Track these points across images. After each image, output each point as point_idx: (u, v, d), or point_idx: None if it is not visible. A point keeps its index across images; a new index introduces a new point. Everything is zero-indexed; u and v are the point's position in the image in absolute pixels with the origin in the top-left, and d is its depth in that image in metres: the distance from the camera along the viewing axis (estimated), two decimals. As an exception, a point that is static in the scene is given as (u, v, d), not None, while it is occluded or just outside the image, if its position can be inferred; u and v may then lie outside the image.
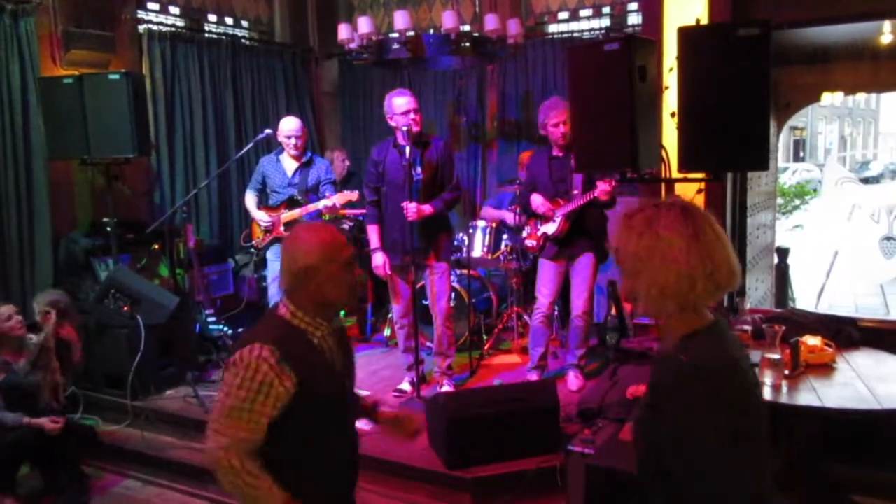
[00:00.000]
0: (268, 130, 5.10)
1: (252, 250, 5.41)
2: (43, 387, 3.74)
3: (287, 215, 4.90)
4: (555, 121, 4.28)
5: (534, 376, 4.50)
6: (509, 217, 5.52)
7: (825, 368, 3.11)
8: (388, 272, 4.41)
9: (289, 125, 4.99)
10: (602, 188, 4.09)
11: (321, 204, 4.78)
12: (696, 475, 1.45)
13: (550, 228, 4.38)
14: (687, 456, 1.45)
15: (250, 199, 5.13)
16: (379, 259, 4.40)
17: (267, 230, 5.00)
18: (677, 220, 1.49)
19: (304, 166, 5.04)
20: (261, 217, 5.01)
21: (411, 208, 4.15)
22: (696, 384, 1.44)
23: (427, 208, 4.23)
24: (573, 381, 4.46)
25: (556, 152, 4.40)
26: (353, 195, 4.77)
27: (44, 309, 3.81)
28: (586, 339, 4.53)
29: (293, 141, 4.93)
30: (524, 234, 4.64)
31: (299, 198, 4.96)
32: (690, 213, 1.51)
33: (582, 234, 4.37)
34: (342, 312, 6.70)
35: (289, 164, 5.04)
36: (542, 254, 4.50)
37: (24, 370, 3.73)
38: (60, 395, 3.82)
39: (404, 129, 4.18)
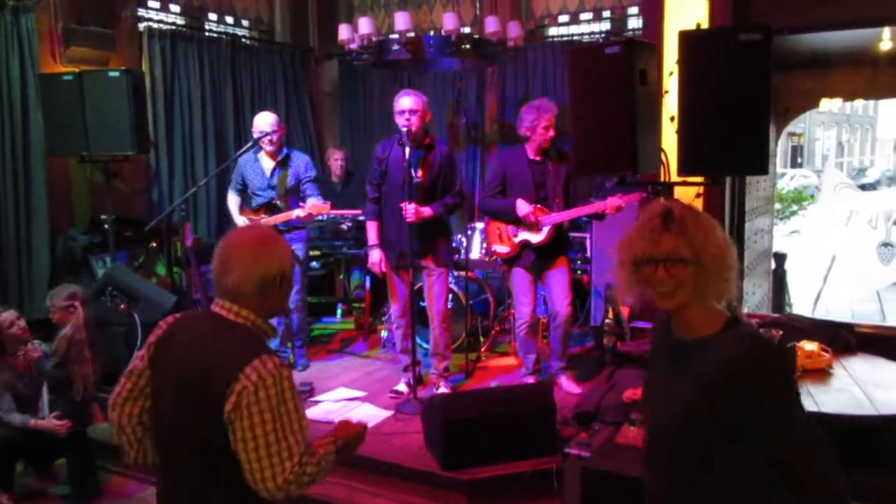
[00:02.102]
0: (268, 129, 4.91)
1: None
2: (76, 380, 3.72)
3: (265, 221, 4.74)
4: (546, 123, 4.19)
5: (530, 380, 4.50)
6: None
7: (822, 374, 3.12)
8: (384, 269, 4.38)
9: (264, 120, 4.81)
10: (614, 203, 4.01)
11: (294, 214, 4.62)
12: (797, 461, 1.51)
13: (536, 237, 4.28)
14: (785, 440, 1.50)
15: (233, 202, 5.02)
16: (376, 256, 4.38)
17: None
18: (704, 216, 1.62)
19: (281, 165, 4.88)
20: (241, 224, 4.82)
21: (410, 209, 4.14)
22: (784, 366, 1.62)
23: (427, 210, 4.22)
24: (566, 384, 4.43)
25: (532, 155, 4.31)
26: (326, 206, 4.62)
27: (63, 304, 3.78)
28: (568, 343, 4.55)
29: (268, 137, 4.76)
30: (494, 237, 4.47)
31: (278, 202, 4.82)
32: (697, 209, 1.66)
33: (560, 241, 4.35)
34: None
35: (267, 164, 4.89)
36: (517, 262, 4.39)
37: (52, 364, 3.73)
38: (91, 386, 3.77)
39: (403, 129, 4.17)
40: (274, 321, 1.96)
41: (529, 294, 4.40)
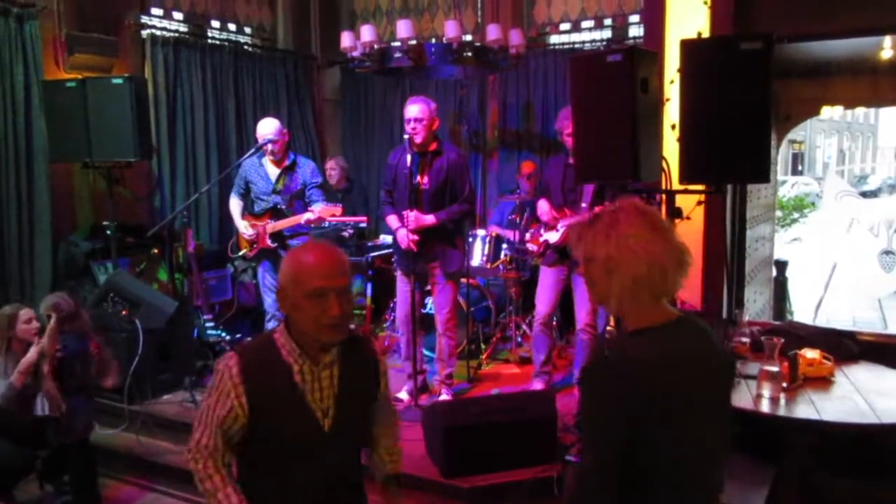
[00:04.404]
0: (270, 137, 4.84)
1: (237, 262, 5.33)
2: (45, 393, 3.68)
3: (272, 226, 4.76)
4: (569, 130, 4.21)
5: (539, 384, 4.50)
6: (510, 234, 5.56)
7: (824, 382, 3.11)
8: (415, 248, 4.21)
9: (265, 128, 4.79)
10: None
11: (303, 218, 4.63)
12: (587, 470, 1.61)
13: (553, 237, 4.38)
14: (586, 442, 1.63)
15: (234, 206, 5.02)
16: (402, 233, 4.24)
17: (252, 242, 4.91)
18: (636, 217, 1.62)
19: (288, 170, 4.88)
20: (243, 228, 4.88)
21: (410, 217, 4.15)
22: (605, 374, 1.59)
23: (428, 219, 4.22)
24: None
25: (571, 160, 4.37)
26: (337, 209, 4.63)
27: (45, 313, 3.75)
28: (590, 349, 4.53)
29: (270, 146, 4.76)
30: (528, 236, 4.66)
31: (283, 207, 4.82)
32: (643, 209, 1.66)
33: None
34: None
35: (272, 169, 4.90)
36: (542, 261, 4.51)
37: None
38: (57, 402, 3.72)
39: (406, 137, 4.18)
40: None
41: (548, 293, 4.46)
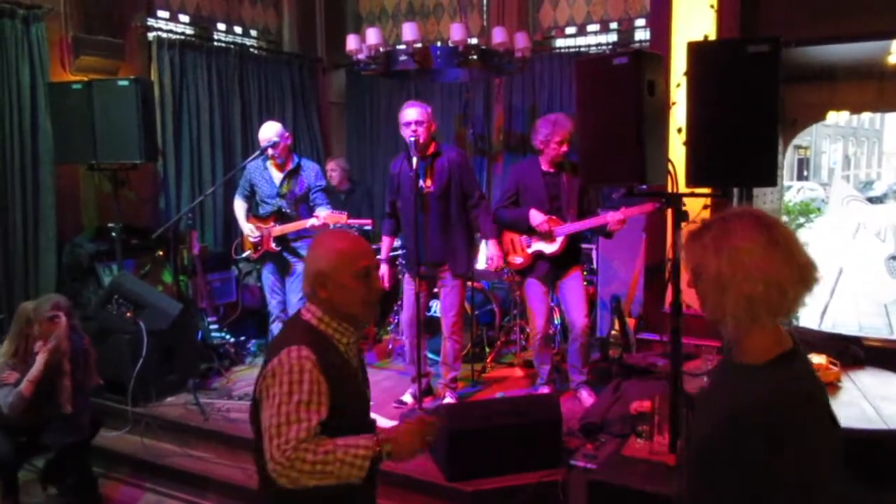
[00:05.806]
0: (274, 139, 4.84)
1: (241, 264, 5.32)
2: (60, 392, 3.68)
3: (278, 230, 4.77)
4: (559, 139, 4.20)
5: (545, 389, 4.47)
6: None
7: (830, 387, 3.10)
8: (388, 286, 4.50)
9: (267, 131, 4.81)
10: (616, 217, 4.03)
11: (309, 223, 4.65)
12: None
13: (550, 248, 4.29)
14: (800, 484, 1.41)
15: (239, 208, 5.03)
16: (382, 270, 4.41)
17: (256, 244, 4.91)
18: (752, 229, 1.45)
19: (293, 174, 4.90)
20: (248, 230, 4.89)
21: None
22: (814, 406, 1.46)
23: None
24: (587, 398, 4.39)
25: (546, 167, 4.32)
26: (342, 217, 4.63)
27: (49, 314, 3.73)
28: (589, 355, 4.49)
29: (272, 150, 4.78)
30: (508, 247, 4.45)
31: (288, 210, 4.83)
32: (762, 219, 1.48)
33: (573, 252, 4.35)
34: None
35: (276, 172, 4.92)
36: (531, 273, 4.39)
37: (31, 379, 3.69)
38: (70, 400, 3.70)
39: (410, 140, 4.18)
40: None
41: (542, 306, 4.39)
